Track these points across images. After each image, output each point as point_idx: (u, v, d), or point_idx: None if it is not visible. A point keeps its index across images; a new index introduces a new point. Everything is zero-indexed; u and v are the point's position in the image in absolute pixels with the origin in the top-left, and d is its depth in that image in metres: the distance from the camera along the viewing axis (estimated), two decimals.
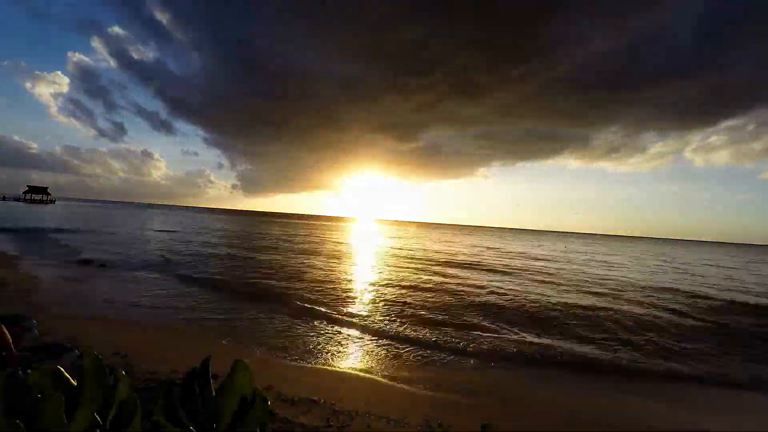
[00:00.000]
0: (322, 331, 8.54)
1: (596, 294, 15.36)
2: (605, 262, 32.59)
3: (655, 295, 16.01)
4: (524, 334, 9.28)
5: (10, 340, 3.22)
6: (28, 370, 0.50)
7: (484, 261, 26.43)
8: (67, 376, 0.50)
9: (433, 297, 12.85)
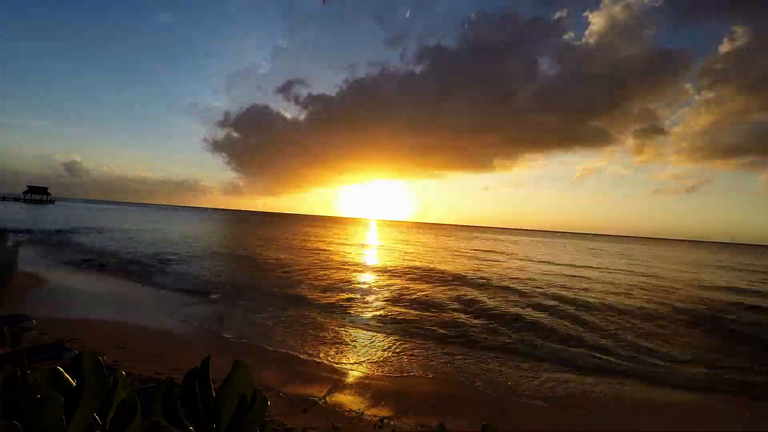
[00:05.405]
0: (319, 331, 8.53)
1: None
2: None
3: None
4: None
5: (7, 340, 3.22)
6: (28, 370, 0.50)
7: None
8: (67, 376, 0.49)
9: None
